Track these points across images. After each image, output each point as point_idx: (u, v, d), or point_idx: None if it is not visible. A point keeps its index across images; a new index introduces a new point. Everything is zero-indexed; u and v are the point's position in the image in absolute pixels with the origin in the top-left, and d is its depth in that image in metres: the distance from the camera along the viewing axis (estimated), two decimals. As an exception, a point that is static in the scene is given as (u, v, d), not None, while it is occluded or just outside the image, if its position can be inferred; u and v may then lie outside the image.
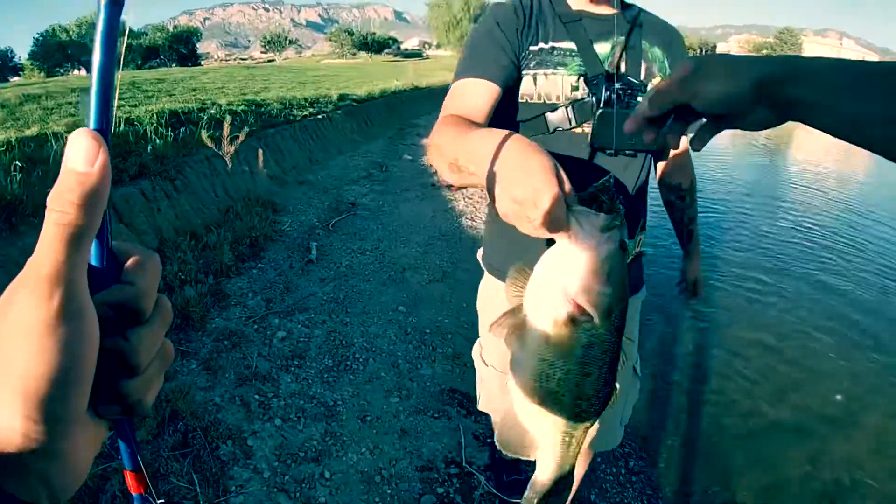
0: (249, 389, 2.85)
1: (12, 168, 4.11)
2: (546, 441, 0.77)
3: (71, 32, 40.32)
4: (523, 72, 1.32)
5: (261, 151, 6.33)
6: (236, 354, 3.16)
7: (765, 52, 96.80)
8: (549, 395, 0.68)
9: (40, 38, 39.56)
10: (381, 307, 3.77)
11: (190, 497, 2.27)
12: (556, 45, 1.33)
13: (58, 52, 38.64)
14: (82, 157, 0.33)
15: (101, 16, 0.37)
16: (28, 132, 5.06)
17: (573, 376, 0.66)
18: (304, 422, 2.67)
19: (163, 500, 0.47)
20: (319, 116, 9.48)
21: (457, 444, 2.58)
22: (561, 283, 0.62)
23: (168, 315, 0.40)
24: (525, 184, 0.61)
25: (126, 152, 5.06)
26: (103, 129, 0.36)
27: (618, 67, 1.34)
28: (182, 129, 5.94)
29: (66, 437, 0.34)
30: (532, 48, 1.33)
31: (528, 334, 0.65)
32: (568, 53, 1.33)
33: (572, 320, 0.62)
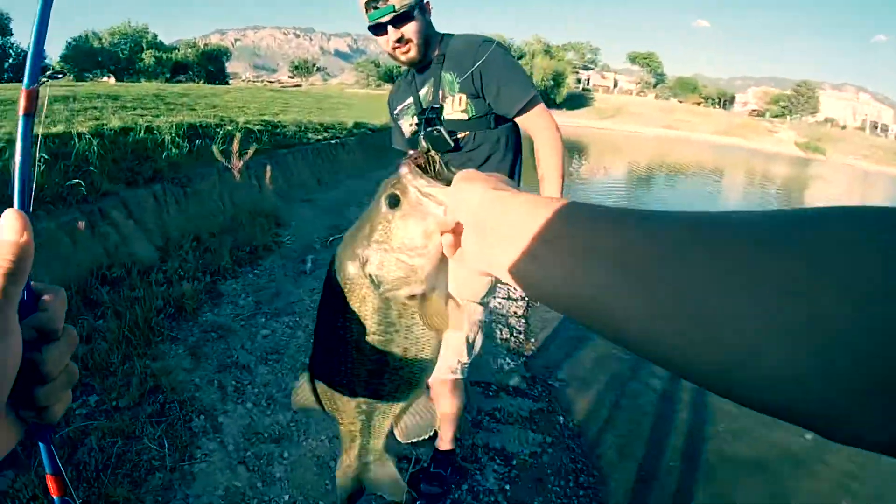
0: (228, 376, 3.13)
1: (39, 160, 4.45)
2: None
3: (103, 40, 41.11)
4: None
5: (269, 168, 6.70)
6: (221, 345, 3.46)
7: (782, 104, 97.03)
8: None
9: (73, 43, 40.38)
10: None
11: (158, 458, 2.53)
12: (403, 104, 2.24)
13: (88, 57, 39.46)
14: (15, 229, 0.45)
15: (20, 129, 0.52)
16: (53, 129, 5.41)
17: None
18: (272, 408, 2.92)
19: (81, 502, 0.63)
20: (333, 141, 9.88)
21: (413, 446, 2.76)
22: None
23: (74, 339, 0.50)
24: None
25: (144, 157, 5.43)
26: (26, 207, 0.50)
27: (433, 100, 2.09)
28: (198, 142, 6.32)
29: None
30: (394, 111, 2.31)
31: None
32: (409, 105, 2.19)
33: None
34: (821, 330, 0.23)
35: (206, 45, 49.37)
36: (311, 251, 5.41)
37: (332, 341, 0.63)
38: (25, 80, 0.54)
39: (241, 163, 6.09)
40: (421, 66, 2.11)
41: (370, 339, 0.61)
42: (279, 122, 9.22)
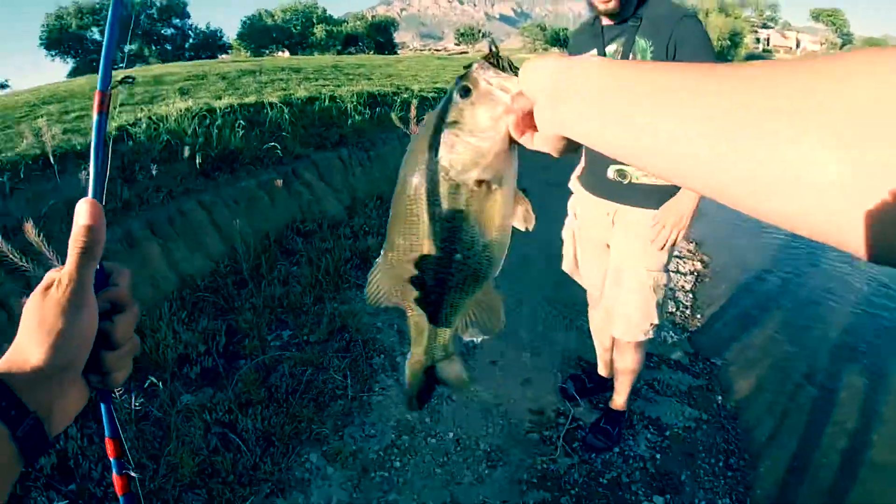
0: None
1: (236, 126, 5.17)
2: None
3: (276, 17, 43.68)
4: None
5: (442, 134, 7.04)
6: (398, 295, 3.83)
7: None
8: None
9: (248, 21, 43.02)
10: (533, 280, 4.13)
11: (342, 388, 2.92)
12: (586, 55, 2.06)
13: (263, 34, 41.96)
14: (88, 214, 0.56)
15: (94, 125, 0.61)
16: (247, 99, 6.18)
17: None
18: (444, 355, 3.21)
19: (133, 468, 0.62)
20: (501, 108, 10.04)
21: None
22: None
23: (137, 313, 0.60)
24: None
25: (330, 124, 6.02)
26: (98, 196, 0.60)
27: None
28: (378, 109, 6.82)
29: (68, 379, 0.53)
30: None
31: None
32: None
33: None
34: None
35: (373, 16, 50.98)
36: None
37: (403, 228, 0.66)
38: (99, 82, 0.62)
39: (419, 128, 6.48)
40: (616, 19, 2.04)
41: (439, 225, 0.63)
42: (451, 88, 9.57)
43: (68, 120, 5.60)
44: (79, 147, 4.57)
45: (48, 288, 0.53)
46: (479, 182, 0.61)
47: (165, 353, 3.04)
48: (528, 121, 0.56)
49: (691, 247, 5.15)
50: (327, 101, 6.55)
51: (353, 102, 6.69)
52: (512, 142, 0.59)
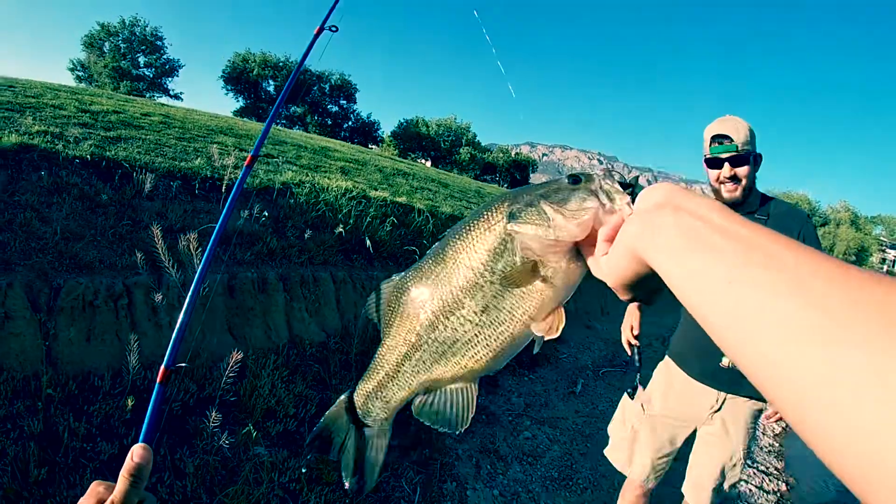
0: (486, 458, 3.41)
1: (388, 222, 5.52)
2: None
3: (430, 128, 46.56)
4: None
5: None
6: (487, 430, 3.79)
7: None
8: None
9: (404, 123, 46.43)
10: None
11: (408, 500, 2.88)
12: None
13: (414, 139, 44.94)
14: (140, 457, 0.73)
15: (154, 394, 0.83)
16: (398, 199, 6.61)
17: None
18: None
19: None
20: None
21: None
22: None
23: None
24: None
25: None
26: (149, 440, 0.78)
27: None
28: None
29: None
30: None
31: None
32: None
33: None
34: None
35: (516, 153, 53.52)
36: (583, 374, 5.60)
37: (441, 252, 0.60)
38: (165, 360, 0.82)
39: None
40: (740, 212, 2.08)
41: (465, 270, 0.58)
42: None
43: (243, 157, 6.25)
44: (245, 186, 5.04)
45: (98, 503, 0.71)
46: (529, 259, 0.56)
47: (257, 401, 3.13)
48: (605, 237, 0.52)
49: (780, 465, 4.81)
50: (466, 221, 6.85)
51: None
52: (580, 254, 0.56)
